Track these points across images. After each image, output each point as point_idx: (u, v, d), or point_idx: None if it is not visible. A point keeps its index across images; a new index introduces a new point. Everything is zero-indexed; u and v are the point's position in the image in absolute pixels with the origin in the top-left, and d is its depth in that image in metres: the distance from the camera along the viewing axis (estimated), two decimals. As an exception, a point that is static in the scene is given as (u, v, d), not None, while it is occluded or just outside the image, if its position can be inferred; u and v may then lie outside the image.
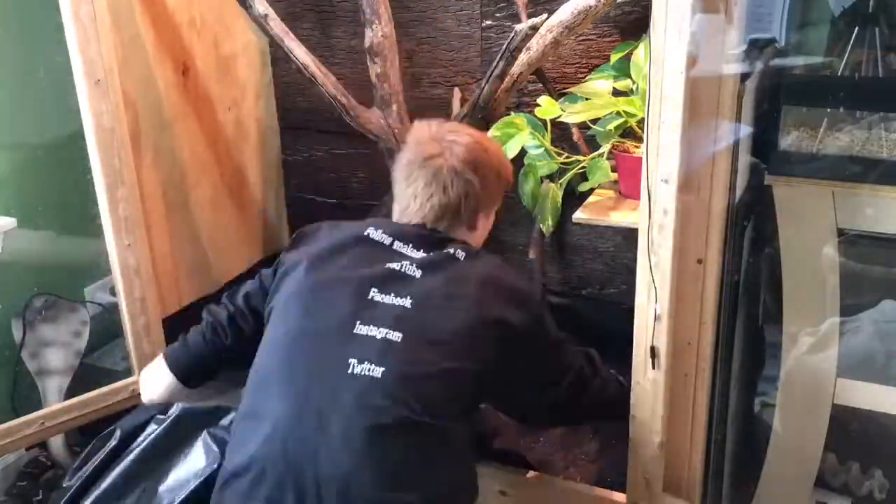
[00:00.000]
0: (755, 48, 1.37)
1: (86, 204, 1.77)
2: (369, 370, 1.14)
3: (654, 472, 1.40)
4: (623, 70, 1.62)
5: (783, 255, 1.42)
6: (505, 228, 2.05)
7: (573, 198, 1.68)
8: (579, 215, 1.54)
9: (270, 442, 1.14)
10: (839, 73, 1.44)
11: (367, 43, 1.74)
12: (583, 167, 1.62)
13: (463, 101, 1.90)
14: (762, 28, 1.43)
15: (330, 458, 1.11)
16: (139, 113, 1.80)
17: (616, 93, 1.60)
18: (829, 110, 1.41)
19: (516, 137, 1.67)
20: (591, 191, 1.63)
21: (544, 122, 1.67)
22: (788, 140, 1.41)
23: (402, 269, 1.24)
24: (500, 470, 1.56)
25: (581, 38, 1.80)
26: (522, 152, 1.68)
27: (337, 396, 1.14)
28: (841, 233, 1.37)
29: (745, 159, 1.36)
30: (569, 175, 1.66)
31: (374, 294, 1.22)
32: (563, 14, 1.61)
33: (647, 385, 1.35)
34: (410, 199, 1.32)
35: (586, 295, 2.01)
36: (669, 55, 1.15)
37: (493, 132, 1.69)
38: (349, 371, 1.14)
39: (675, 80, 1.16)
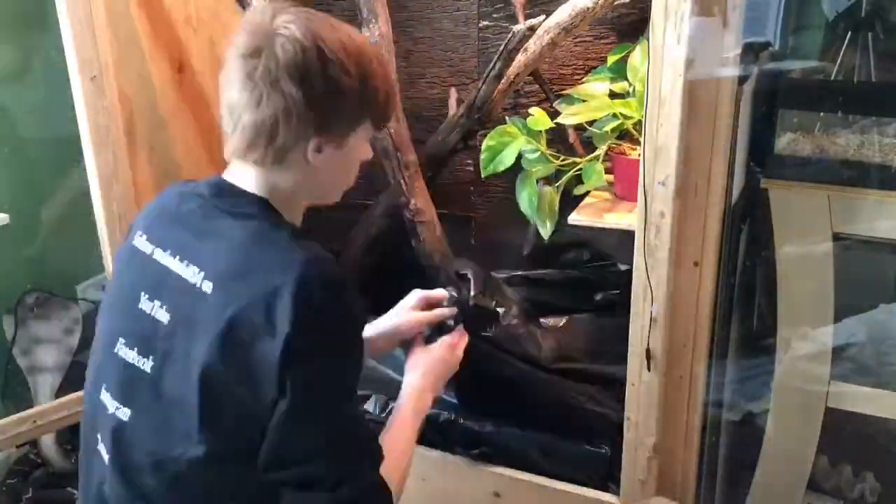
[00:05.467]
0: (752, 52, 1.37)
1: (79, 201, 1.76)
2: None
3: (647, 475, 1.40)
4: (620, 72, 1.62)
5: (778, 258, 1.43)
6: (500, 230, 2.05)
7: (569, 199, 1.68)
8: (575, 217, 1.54)
9: None
10: (832, 77, 1.44)
11: (363, 42, 1.74)
12: (579, 169, 1.62)
13: (459, 101, 1.90)
14: (759, 32, 1.44)
15: None
16: (134, 110, 1.79)
17: (613, 95, 1.60)
18: (823, 114, 1.42)
19: (512, 145, 1.67)
20: (586, 193, 1.63)
21: (539, 125, 1.68)
22: (784, 143, 1.41)
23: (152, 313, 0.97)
24: (493, 471, 1.56)
25: (578, 39, 1.80)
26: (518, 156, 1.69)
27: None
28: (836, 236, 1.38)
29: (741, 162, 1.36)
30: (565, 178, 1.66)
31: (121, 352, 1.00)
32: (561, 15, 1.61)
33: (642, 387, 1.35)
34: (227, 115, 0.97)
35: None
36: (668, 58, 1.16)
37: (487, 142, 1.70)
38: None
39: (674, 82, 1.16)
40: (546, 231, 1.70)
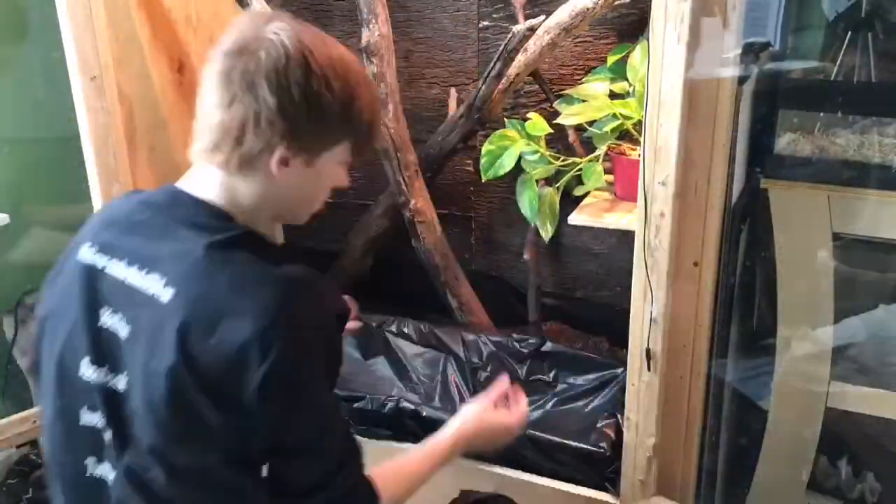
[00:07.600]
0: (752, 52, 1.37)
1: (80, 201, 1.76)
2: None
3: (647, 474, 1.40)
4: (619, 72, 1.62)
5: (778, 258, 1.43)
6: (500, 230, 2.05)
7: (569, 199, 1.68)
8: (575, 217, 1.54)
9: None
10: (833, 78, 1.44)
11: (363, 42, 1.74)
12: (579, 170, 1.63)
13: (459, 101, 1.90)
14: (759, 32, 1.44)
15: None
16: (134, 110, 1.79)
17: (612, 95, 1.60)
18: (823, 114, 1.42)
19: (511, 149, 1.68)
20: (586, 193, 1.63)
21: (539, 126, 1.68)
22: (784, 143, 1.41)
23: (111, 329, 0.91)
24: (493, 471, 1.56)
25: (578, 39, 1.80)
26: (518, 158, 1.69)
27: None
28: (836, 236, 1.38)
29: (741, 162, 1.36)
30: (565, 178, 1.66)
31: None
32: (561, 16, 1.61)
33: (642, 387, 1.35)
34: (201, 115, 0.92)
35: (580, 297, 2.01)
36: (668, 58, 1.16)
37: (487, 146, 1.70)
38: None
39: (674, 82, 1.16)
40: (546, 232, 1.71)
